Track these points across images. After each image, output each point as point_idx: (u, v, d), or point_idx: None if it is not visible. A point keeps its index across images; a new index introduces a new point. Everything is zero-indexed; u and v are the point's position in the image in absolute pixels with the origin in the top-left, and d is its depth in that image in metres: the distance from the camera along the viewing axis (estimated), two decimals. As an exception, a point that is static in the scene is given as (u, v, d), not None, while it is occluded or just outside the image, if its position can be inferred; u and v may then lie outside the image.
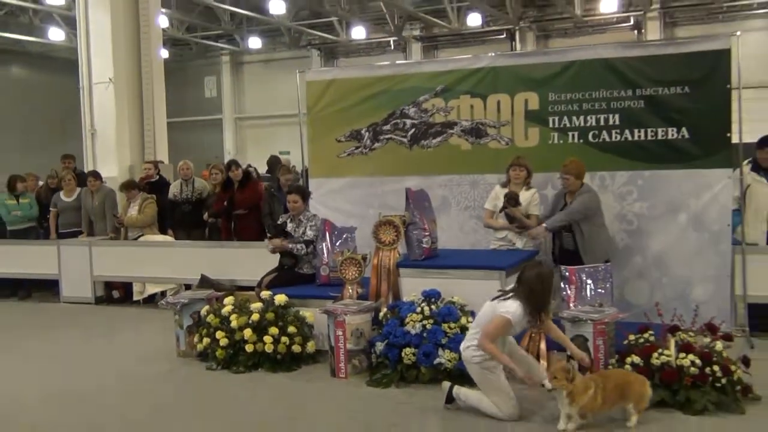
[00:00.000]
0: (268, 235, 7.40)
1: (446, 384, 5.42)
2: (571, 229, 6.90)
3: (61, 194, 10.89)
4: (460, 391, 5.29)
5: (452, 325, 5.96)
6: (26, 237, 10.95)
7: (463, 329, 5.92)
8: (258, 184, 10.69)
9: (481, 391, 5.19)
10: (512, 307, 5.04)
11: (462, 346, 5.30)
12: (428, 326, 5.97)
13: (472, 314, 6.06)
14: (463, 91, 8.01)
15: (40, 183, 11.87)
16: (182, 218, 10.57)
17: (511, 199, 7.08)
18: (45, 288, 10.87)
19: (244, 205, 9.96)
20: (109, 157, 12.63)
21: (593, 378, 4.85)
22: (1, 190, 11.19)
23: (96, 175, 10.95)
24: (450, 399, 5.33)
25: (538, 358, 6.09)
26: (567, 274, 6.30)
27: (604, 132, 7.45)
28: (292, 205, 7.54)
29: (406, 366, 5.95)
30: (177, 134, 16.97)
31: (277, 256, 7.59)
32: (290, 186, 8.13)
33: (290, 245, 7.38)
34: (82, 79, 12.93)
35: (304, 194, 7.75)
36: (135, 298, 10.00)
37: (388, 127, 8.35)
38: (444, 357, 5.84)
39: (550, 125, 7.64)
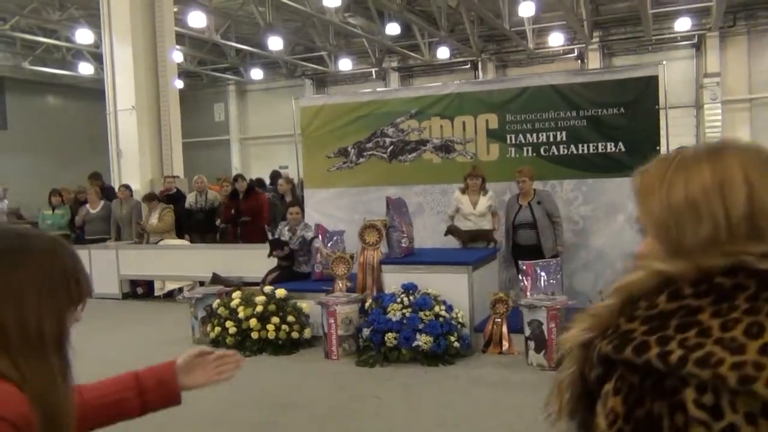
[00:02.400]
0: (273, 252, 7.34)
1: None
2: (535, 226, 6.88)
3: (88, 206, 10.79)
4: None
5: (427, 312, 5.96)
6: None
7: (437, 316, 5.93)
8: (260, 194, 10.67)
9: None
10: None
11: None
12: (407, 314, 5.97)
13: (445, 303, 6.09)
14: (434, 114, 8.04)
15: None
16: (197, 225, 10.51)
17: (450, 232, 7.02)
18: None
19: (248, 213, 9.92)
20: (133, 172, 12.50)
21: None
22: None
23: (127, 187, 10.89)
24: None
25: (501, 340, 6.12)
26: (524, 267, 6.32)
27: (554, 147, 7.49)
28: (294, 216, 7.50)
29: (389, 348, 5.95)
30: (190, 152, 16.86)
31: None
32: (292, 200, 8.10)
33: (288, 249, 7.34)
34: (109, 106, 12.81)
35: (302, 206, 7.74)
36: (156, 293, 9.93)
37: (370, 144, 8.35)
38: (421, 340, 5.85)
39: (508, 141, 7.67)
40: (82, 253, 10.17)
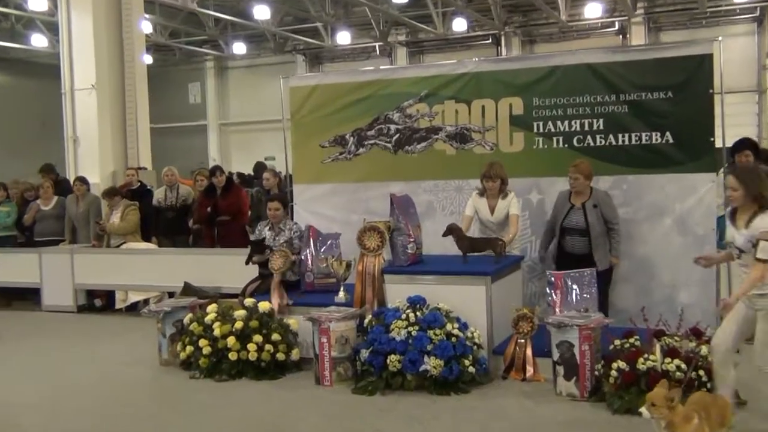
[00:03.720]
0: (253, 258, 7.34)
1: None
2: (587, 233, 6.84)
3: (39, 202, 10.80)
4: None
5: (438, 331, 5.93)
6: (3, 245, 10.84)
7: (449, 335, 5.91)
8: (241, 190, 10.68)
9: None
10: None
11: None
12: (413, 333, 5.95)
13: (458, 320, 6.07)
14: (448, 96, 8.01)
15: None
16: (166, 225, 10.52)
17: (450, 232, 6.95)
18: (26, 296, 10.76)
19: (227, 212, 9.93)
20: (92, 163, 12.52)
21: (694, 407, 4.13)
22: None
23: (83, 180, 10.88)
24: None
25: (524, 365, 6.10)
26: (553, 279, 6.29)
27: (589, 137, 7.46)
28: (273, 212, 7.52)
29: (392, 373, 5.93)
30: (160, 140, 16.86)
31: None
32: (272, 193, 8.09)
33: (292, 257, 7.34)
34: (65, 84, 12.83)
35: (286, 202, 7.75)
36: (117, 306, 9.93)
37: (372, 132, 8.34)
38: (430, 364, 5.82)
39: (535, 130, 7.64)
40: (31, 258, 10.33)
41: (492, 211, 7.14)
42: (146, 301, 9.54)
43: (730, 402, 4.42)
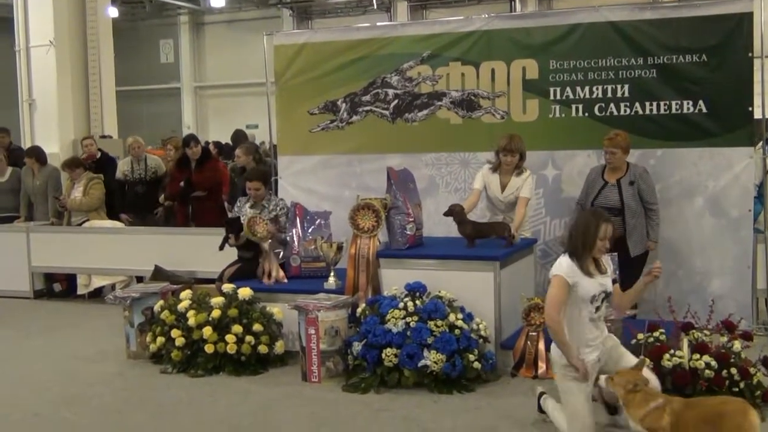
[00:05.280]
0: (228, 236, 7.33)
1: (537, 389, 5.23)
2: (621, 212, 6.85)
3: None
4: (547, 402, 5.06)
5: (439, 322, 5.96)
6: None
7: (452, 327, 5.95)
8: (218, 162, 10.68)
9: (561, 402, 4.90)
10: (559, 262, 4.80)
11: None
12: (412, 324, 5.98)
13: (462, 310, 6.11)
14: (453, 58, 8.01)
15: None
16: (134, 201, 10.51)
17: (451, 213, 6.93)
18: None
19: (202, 187, 9.92)
20: (50, 130, 12.52)
21: (666, 398, 4.39)
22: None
23: (36, 154, 10.82)
24: (541, 407, 5.13)
25: (536, 360, 6.15)
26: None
27: (612, 105, 7.48)
28: (253, 193, 7.53)
29: (387, 369, 5.96)
30: (127, 105, 16.84)
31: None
32: (251, 171, 8.07)
33: (281, 235, 7.36)
34: (19, 41, 12.79)
35: (266, 179, 7.74)
36: (79, 291, 9.95)
37: (367, 97, 8.34)
38: (430, 358, 5.85)
39: (551, 97, 7.66)
40: (-20, 237, 10.25)
41: (503, 188, 7.15)
42: (112, 287, 9.56)
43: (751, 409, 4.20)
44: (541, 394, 5.15)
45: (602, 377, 4.57)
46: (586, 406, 4.71)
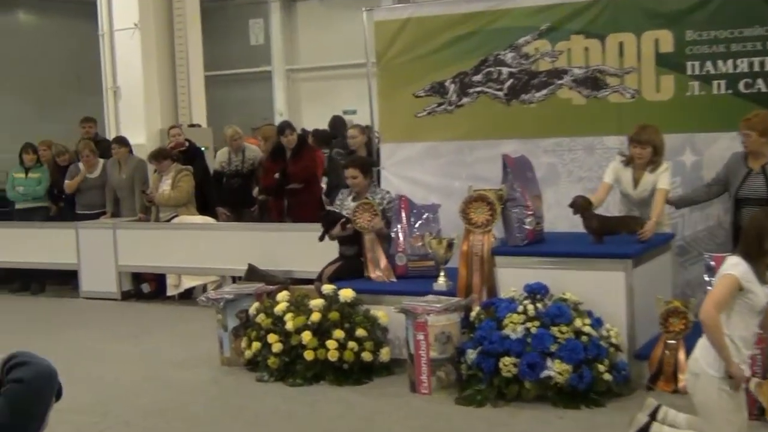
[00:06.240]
0: (330, 232, 7.39)
1: (651, 402, 4.96)
2: None
3: (81, 166, 11.11)
4: (668, 415, 4.84)
5: (564, 328, 5.87)
6: (31, 219, 11.24)
7: (578, 334, 5.84)
8: (316, 151, 10.74)
9: (700, 420, 4.60)
10: (734, 262, 4.50)
11: (692, 354, 4.67)
12: (533, 330, 5.90)
13: (590, 315, 6.00)
14: (575, 31, 7.88)
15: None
16: (229, 195, 10.70)
17: (575, 205, 6.78)
18: (62, 280, 11.16)
19: (298, 178, 10.00)
20: (136, 119, 12.82)
21: None
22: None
23: (122, 141, 11.14)
24: (646, 427, 4.86)
25: (675, 372, 5.99)
26: (712, 263, 6.12)
27: (760, 80, 7.25)
28: (351, 181, 7.56)
29: (505, 380, 5.89)
30: (215, 91, 17.11)
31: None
32: (349, 158, 8.11)
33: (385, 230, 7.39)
34: (102, 25, 13.13)
35: (365, 167, 7.73)
36: (169, 293, 10.18)
37: (479, 77, 8.27)
38: (554, 369, 5.77)
39: (689, 72, 7.47)
40: (66, 235, 10.65)
41: (635, 184, 6.99)
42: (203, 288, 9.74)
43: None
44: (656, 409, 4.87)
45: (753, 380, 4.41)
46: (745, 426, 4.50)
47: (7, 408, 2.23)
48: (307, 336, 6.59)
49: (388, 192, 7.75)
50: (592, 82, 7.84)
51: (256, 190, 10.59)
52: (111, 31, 13.05)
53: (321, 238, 7.51)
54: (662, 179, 6.90)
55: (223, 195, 10.81)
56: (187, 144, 11.36)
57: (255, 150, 10.96)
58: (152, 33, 12.90)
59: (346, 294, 6.79)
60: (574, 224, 6.92)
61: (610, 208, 7.19)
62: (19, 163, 11.39)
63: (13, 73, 19.56)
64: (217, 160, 10.91)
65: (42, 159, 11.56)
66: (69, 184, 11.10)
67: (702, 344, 4.44)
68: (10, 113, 18.34)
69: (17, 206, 11.45)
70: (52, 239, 10.72)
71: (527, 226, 6.67)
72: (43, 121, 17.37)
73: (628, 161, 7.02)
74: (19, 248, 10.88)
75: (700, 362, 4.43)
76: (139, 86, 12.84)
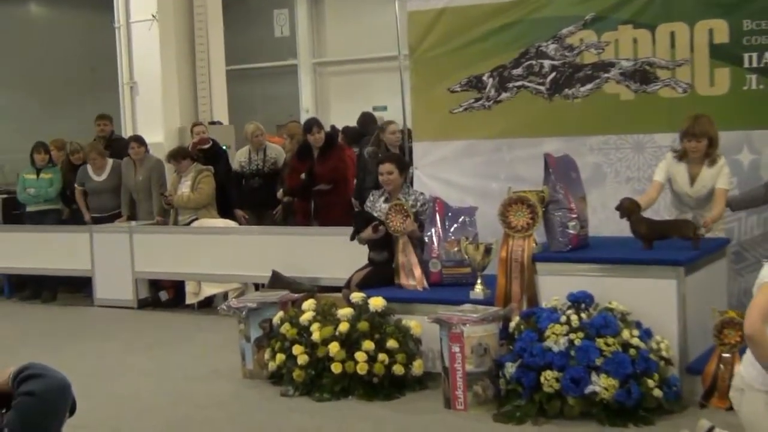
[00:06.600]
0: (360, 234, 7.41)
1: (704, 424, 5.00)
2: None
3: (89, 170, 11.20)
4: None
5: (610, 340, 5.84)
6: (43, 222, 11.36)
7: (626, 346, 5.82)
8: (345, 150, 10.75)
9: None
10: None
11: (739, 368, 4.62)
12: (577, 342, 5.87)
13: (638, 326, 5.97)
14: (623, 20, 7.87)
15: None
16: (251, 196, 10.74)
17: (622, 208, 6.74)
18: (75, 287, 11.25)
19: (326, 179, 10.02)
20: (154, 116, 12.90)
21: None
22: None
23: (139, 140, 11.20)
24: None
25: (730, 386, 5.93)
26: (769, 269, 6.08)
27: (825, 74, 7.20)
28: (386, 177, 7.56)
29: (547, 395, 5.88)
30: (238, 87, 17.22)
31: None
32: (385, 153, 8.13)
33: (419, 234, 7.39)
34: (119, 16, 13.23)
35: (402, 163, 7.75)
36: (188, 301, 10.24)
37: (519, 71, 8.26)
38: (599, 384, 5.74)
39: (746, 64, 7.44)
40: (80, 239, 10.72)
41: (692, 181, 6.96)
42: (224, 296, 9.79)
43: None
44: (711, 428, 4.88)
45: None
46: None
47: (18, 422, 2.25)
48: (334, 347, 6.59)
49: (422, 193, 7.75)
50: (641, 75, 7.81)
51: (280, 192, 10.60)
52: (127, 22, 13.14)
53: (352, 238, 7.53)
54: (722, 178, 6.88)
55: (242, 196, 10.84)
56: (211, 142, 11.41)
57: (277, 149, 10.99)
58: (171, 24, 12.98)
59: (377, 303, 6.78)
60: (622, 228, 6.90)
61: (661, 211, 7.14)
62: (30, 163, 11.48)
63: (24, 67, 19.76)
64: (236, 159, 10.94)
65: (54, 159, 11.64)
66: (78, 195, 11.25)
67: (747, 358, 4.40)
68: (20, 110, 18.53)
69: (28, 209, 11.56)
70: (65, 244, 10.81)
71: (571, 231, 6.65)
72: (55, 119, 17.53)
73: (681, 156, 6.99)
74: (30, 253, 10.98)
75: (745, 377, 4.41)
76: (157, 81, 12.92)
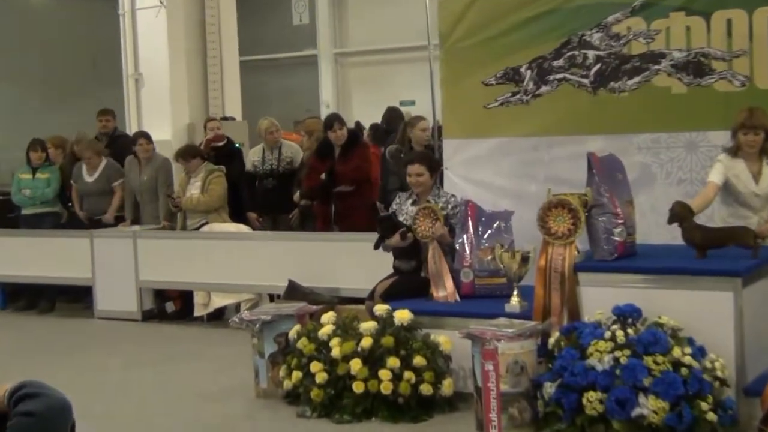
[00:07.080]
0: (383, 240, 7.42)
1: None
2: None
3: (83, 169, 11.27)
4: None
5: (659, 358, 5.82)
6: (39, 226, 11.41)
7: (677, 365, 5.79)
8: (369, 148, 10.75)
9: None
10: None
11: None
12: (623, 360, 5.85)
13: (691, 343, 5.94)
14: (675, 7, 7.83)
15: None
16: (264, 198, 10.76)
17: (674, 215, 6.68)
18: (74, 297, 11.31)
19: (348, 180, 10.03)
20: (161, 112, 12.94)
21: None
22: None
23: (147, 137, 11.24)
24: None
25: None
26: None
27: None
28: (414, 179, 7.56)
29: (590, 418, 5.86)
30: (252, 79, 17.26)
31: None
32: (409, 152, 8.13)
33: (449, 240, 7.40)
34: (123, 3, 13.29)
35: (433, 164, 7.76)
36: (197, 313, 10.27)
37: (560, 62, 8.25)
38: (647, 406, 5.72)
39: (810, 55, 7.41)
40: (79, 245, 10.78)
41: (756, 179, 6.95)
42: (236, 307, 9.81)
43: None
44: None
45: None
46: None
47: None
48: (356, 365, 6.60)
49: (453, 196, 7.74)
50: (695, 67, 7.78)
51: (297, 194, 10.60)
52: (132, 9, 13.22)
53: (376, 246, 7.53)
54: None
55: (254, 198, 10.86)
56: (226, 139, 11.44)
57: (294, 147, 11.00)
58: (180, 11, 13.02)
59: (403, 316, 6.79)
60: (673, 235, 6.87)
61: (714, 217, 7.10)
62: (26, 162, 11.53)
63: (20, 59, 19.91)
64: (249, 158, 10.95)
65: (52, 157, 11.69)
66: (74, 194, 11.37)
67: None
68: (16, 105, 18.62)
69: (23, 212, 11.62)
70: (64, 250, 10.84)
71: (616, 238, 6.63)
72: (54, 114, 17.63)
73: (735, 151, 6.96)
74: (26, 260, 11.03)
75: None
76: (165, 73, 12.97)
